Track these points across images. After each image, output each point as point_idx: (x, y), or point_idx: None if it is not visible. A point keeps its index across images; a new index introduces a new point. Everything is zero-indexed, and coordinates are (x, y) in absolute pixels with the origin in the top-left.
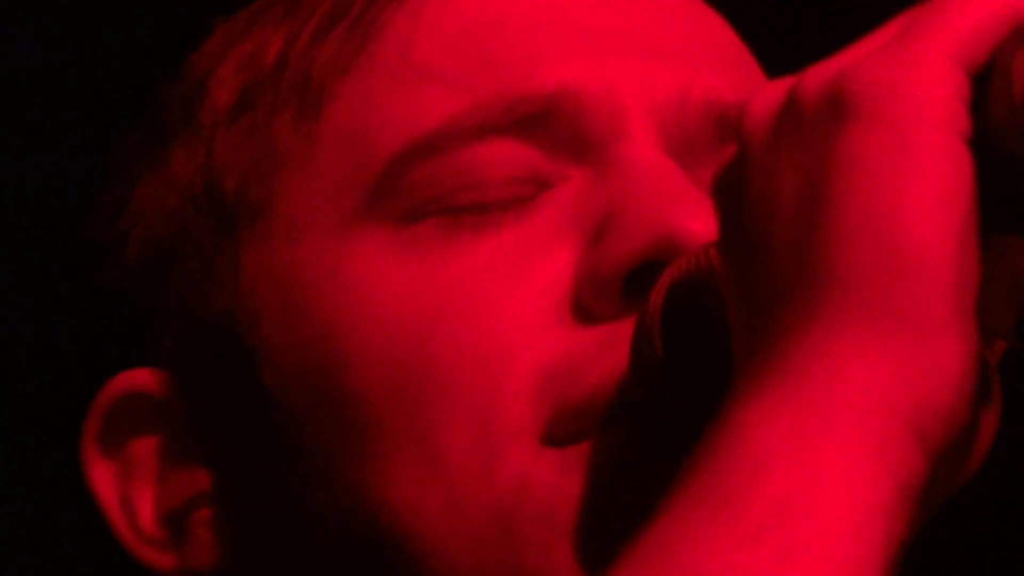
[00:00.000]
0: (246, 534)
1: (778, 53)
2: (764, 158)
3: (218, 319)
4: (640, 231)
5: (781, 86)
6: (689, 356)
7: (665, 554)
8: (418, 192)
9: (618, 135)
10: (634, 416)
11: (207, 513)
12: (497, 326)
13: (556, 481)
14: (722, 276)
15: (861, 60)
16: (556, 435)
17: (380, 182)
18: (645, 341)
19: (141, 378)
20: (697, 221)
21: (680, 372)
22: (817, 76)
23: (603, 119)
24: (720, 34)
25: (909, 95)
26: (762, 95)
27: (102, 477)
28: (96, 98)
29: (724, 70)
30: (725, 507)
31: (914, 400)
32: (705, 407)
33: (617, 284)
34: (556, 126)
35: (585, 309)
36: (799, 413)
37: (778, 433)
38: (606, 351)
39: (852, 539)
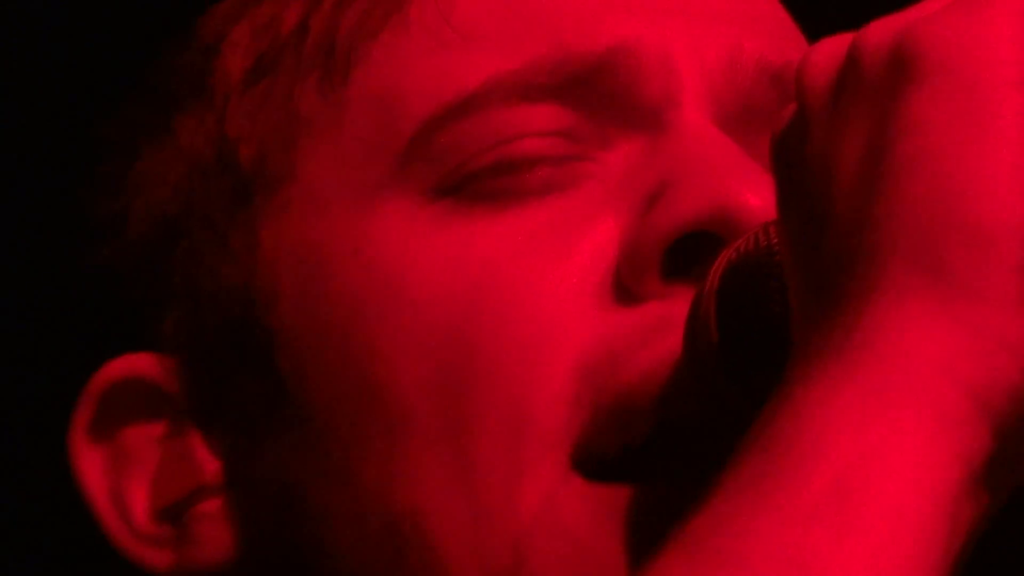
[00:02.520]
0: (253, 531)
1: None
2: (824, 117)
3: (230, 298)
4: (691, 201)
5: (840, 42)
6: (747, 348)
7: (715, 534)
8: (451, 157)
9: (673, 101)
10: (677, 435)
11: (210, 508)
12: (536, 310)
13: (583, 515)
14: (782, 251)
15: (929, 17)
16: (592, 449)
17: (410, 147)
18: (699, 331)
19: (140, 363)
20: (754, 194)
21: (739, 365)
22: (880, 33)
23: (658, 83)
24: (766, 2)
25: (982, 55)
26: (820, 50)
27: (91, 468)
28: (90, 68)
29: (773, 34)
30: (780, 486)
31: (982, 376)
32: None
33: (656, 258)
34: (606, 89)
35: (625, 288)
36: (860, 388)
37: (837, 410)
38: (644, 339)
39: (914, 520)
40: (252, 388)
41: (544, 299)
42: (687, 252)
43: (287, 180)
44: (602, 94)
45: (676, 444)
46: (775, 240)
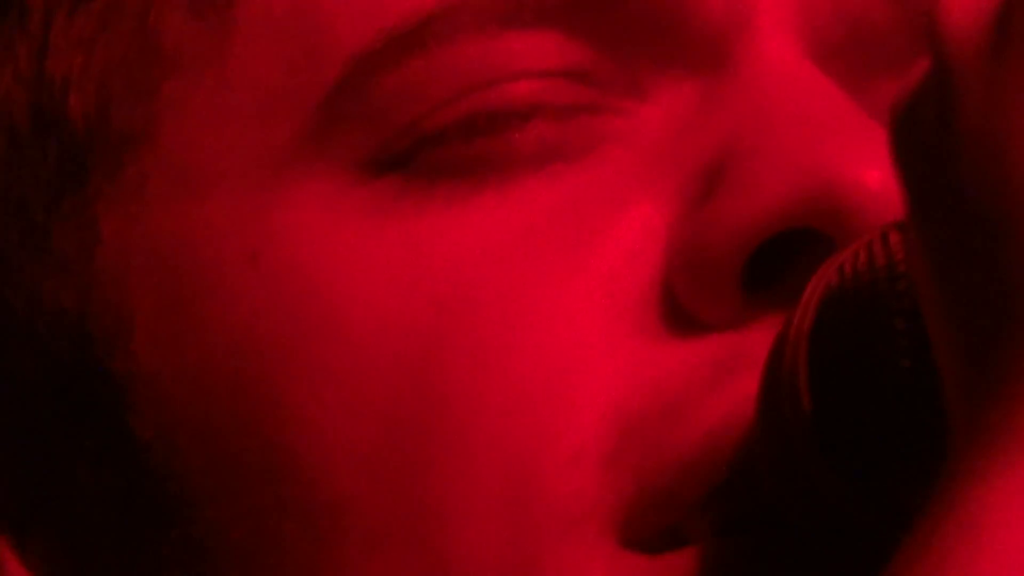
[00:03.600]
0: None
1: None
2: (981, 82)
3: (54, 331)
4: (777, 180)
5: None
6: (855, 421)
7: None
8: (397, 112)
9: (742, 24)
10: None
11: None
12: (541, 344)
13: None
14: (916, 275)
15: None
16: (636, 532)
17: (334, 97)
18: (784, 389)
19: None
20: (871, 166)
21: (841, 443)
22: None
23: (717, 1)
24: None
25: None
26: None
27: None
28: None
29: None
30: None
31: None
32: (883, 502)
33: (736, 270)
34: (636, 10)
35: (683, 309)
36: None
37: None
38: (713, 382)
39: None
40: (91, 475)
41: (554, 324)
42: (771, 251)
43: (141, 146)
44: (631, 16)
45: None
46: (900, 255)
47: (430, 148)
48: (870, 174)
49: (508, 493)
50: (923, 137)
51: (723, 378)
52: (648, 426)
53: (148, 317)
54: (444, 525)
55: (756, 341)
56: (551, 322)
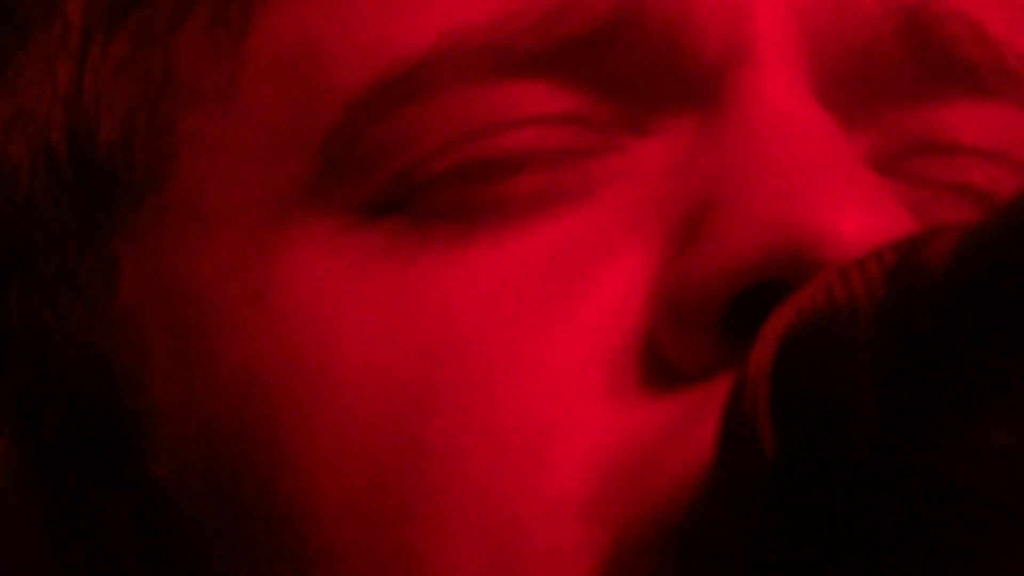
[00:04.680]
0: None
1: None
2: None
3: (81, 367)
4: (746, 233)
5: None
6: (821, 456)
7: None
8: (392, 158)
9: (738, 60)
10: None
11: None
12: (522, 397)
13: None
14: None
15: None
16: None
17: (332, 140)
18: (744, 433)
19: None
20: (848, 215)
21: (804, 487)
22: None
23: (714, 33)
24: None
25: None
26: None
27: None
28: None
29: None
30: None
31: None
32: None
33: (711, 321)
34: (630, 52)
35: (663, 359)
36: None
37: None
38: (686, 435)
39: None
40: (115, 503)
41: (539, 376)
42: (754, 298)
43: (161, 179)
44: (624, 60)
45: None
46: (861, 289)
47: (423, 195)
48: (846, 223)
49: (489, 545)
50: None
51: (692, 426)
52: (625, 477)
53: (162, 355)
54: (427, 573)
55: (726, 389)
56: (533, 375)
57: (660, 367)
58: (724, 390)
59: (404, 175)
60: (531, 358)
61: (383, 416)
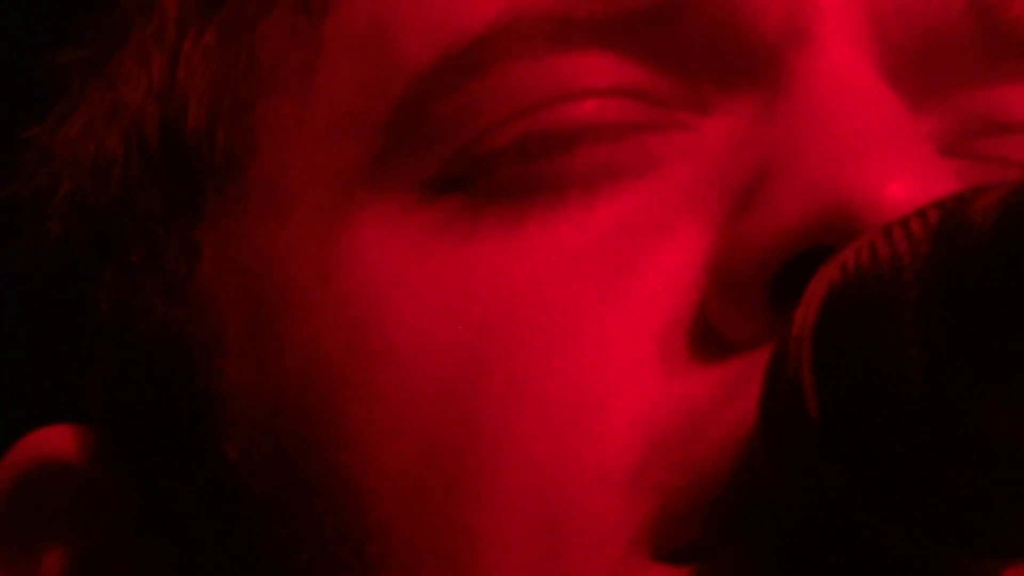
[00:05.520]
0: None
1: None
2: None
3: (165, 345)
4: (793, 200)
5: None
6: (865, 413)
7: None
8: (455, 133)
9: (800, 38)
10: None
11: None
12: (573, 370)
13: None
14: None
15: None
16: (663, 546)
17: (398, 116)
18: (787, 393)
19: (58, 442)
20: (893, 179)
21: (848, 441)
22: None
23: (775, 12)
24: None
25: None
26: None
27: None
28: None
29: None
30: None
31: None
32: (895, 505)
33: (760, 290)
34: (693, 26)
35: (714, 330)
36: None
37: None
38: (733, 400)
39: None
40: (193, 478)
41: (589, 350)
42: (802, 268)
43: (241, 164)
44: (685, 34)
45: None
46: (904, 247)
47: (484, 170)
48: (890, 188)
49: (538, 514)
50: None
51: (737, 392)
52: (672, 444)
53: (236, 335)
54: (476, 546)
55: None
56: (584, 348)
57: (711, 338)
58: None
59: (465, 150)
60: (583, 332)
61: (438, 390)
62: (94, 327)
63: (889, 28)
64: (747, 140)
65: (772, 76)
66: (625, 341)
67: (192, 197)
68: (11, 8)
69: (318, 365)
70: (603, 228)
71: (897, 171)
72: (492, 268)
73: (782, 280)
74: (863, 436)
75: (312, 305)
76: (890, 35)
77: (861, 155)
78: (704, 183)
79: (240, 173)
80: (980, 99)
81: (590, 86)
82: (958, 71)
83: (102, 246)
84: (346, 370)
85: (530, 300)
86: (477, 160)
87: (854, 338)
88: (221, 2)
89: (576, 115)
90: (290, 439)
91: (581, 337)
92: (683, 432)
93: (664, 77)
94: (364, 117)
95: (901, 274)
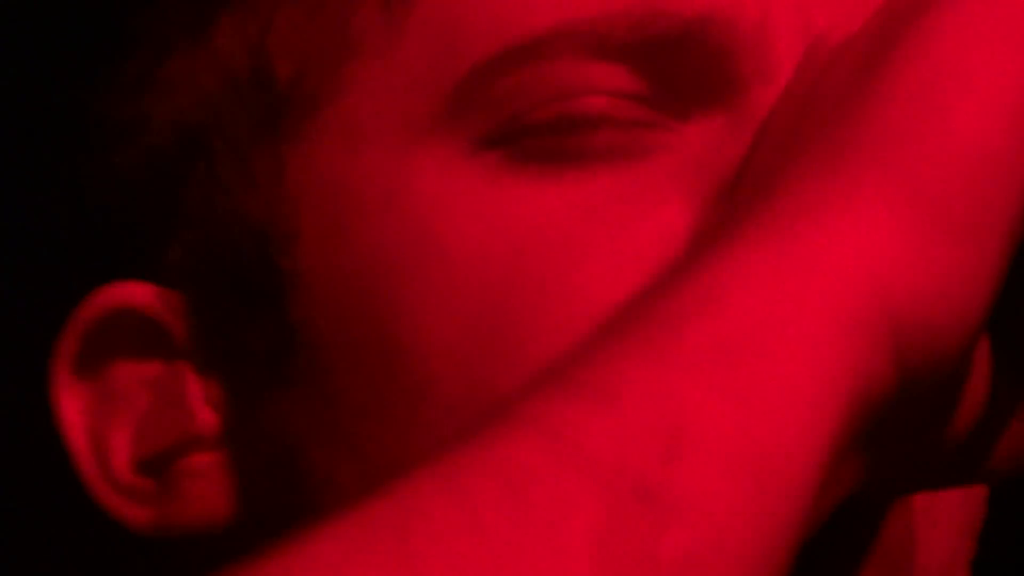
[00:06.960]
0: (244, 494)
1: None
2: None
3: (245, 232)
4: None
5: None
6: None
7: (585, 367)
8: (507, 105)
9: (764, 77)
10: None
11: (199, 463)
12: (583, 287)
13: None
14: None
15: None
16: None
17: (462, 88)
18: None
19: (138, 293)
20: None
21: None
22: None
23: (750, 56)
24: None
25: None
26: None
27: (72, 404)
28: None
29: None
30: (661, 335)
31: (908, 303)
32: None
33: None
34: (689, 60)
35: None
36: (772, 281)
37: (744, 269)
38: None
39: (805, 401)
40: (260, 335)
41: (594, 275)
42: None
43: (323, 107)
44: (683, 65)
45: None
46: None
47: (526, 136)
48: None
49: None
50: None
51: None
52: None
53: (311, 231)
54: (500, 394)
55: None
56: (595, 268)
57: None
58: None
59: (512, 119)
60: (595, 259)
61: (481, 288)
62: (178, 213)
63: None
64: (716, 149)
65: (738, 104)
66: (624, 268)
67: (278, 124)
68: None
69: (381, 262)
70: (614, 193)
71: None
72: (527, 208)
73: None
74: None
75: (377, 220)
76: None
77: None
78: (688, 170)
79: (321, 115)
80: None
81: (609, 87)
82: None
83: (193, 152)
84: (406, 267)
85: (552, 233)
86: (520, 128)
87: None
88: None
89: (596, 106)
90: (352, 311)
91: (592, 259)
92: None
93: (659, 89)
94: (435, 85)
95: None
